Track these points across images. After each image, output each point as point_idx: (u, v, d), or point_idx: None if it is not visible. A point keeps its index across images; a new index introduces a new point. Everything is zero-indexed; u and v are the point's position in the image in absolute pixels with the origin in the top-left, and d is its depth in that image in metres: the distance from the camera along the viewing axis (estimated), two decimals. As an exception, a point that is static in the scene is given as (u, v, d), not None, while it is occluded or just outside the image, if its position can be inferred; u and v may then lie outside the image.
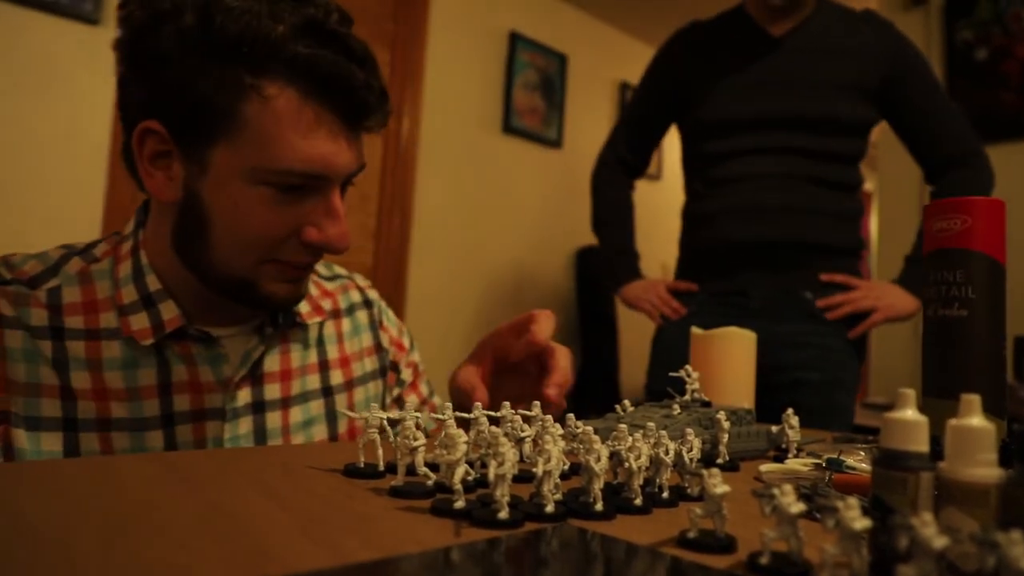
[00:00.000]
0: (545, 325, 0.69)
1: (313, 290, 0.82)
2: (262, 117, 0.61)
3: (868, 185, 5.94)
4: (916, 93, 1.52)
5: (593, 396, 3.18)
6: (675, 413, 0.57)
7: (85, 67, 2.01)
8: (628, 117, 1.81)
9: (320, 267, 0.86)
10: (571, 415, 0.50)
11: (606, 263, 1.79)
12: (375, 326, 0.87)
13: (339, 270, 0.90)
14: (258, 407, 0.72)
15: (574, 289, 3.35)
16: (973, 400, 0.34)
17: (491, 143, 3.02)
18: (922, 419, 0.34)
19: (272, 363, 0.74)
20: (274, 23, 0.60)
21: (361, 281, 0.91)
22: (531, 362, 0.72)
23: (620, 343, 3.36)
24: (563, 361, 0.69)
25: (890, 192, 2.74)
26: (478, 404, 0.47)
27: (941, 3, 2.66)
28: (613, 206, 1.77)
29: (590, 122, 3.46)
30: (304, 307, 0.78)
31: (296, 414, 0.74)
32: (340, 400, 0.78)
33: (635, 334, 3.17)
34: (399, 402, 0.87)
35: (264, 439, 0.71)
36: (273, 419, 0.72)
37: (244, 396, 0.71)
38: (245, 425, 0.71)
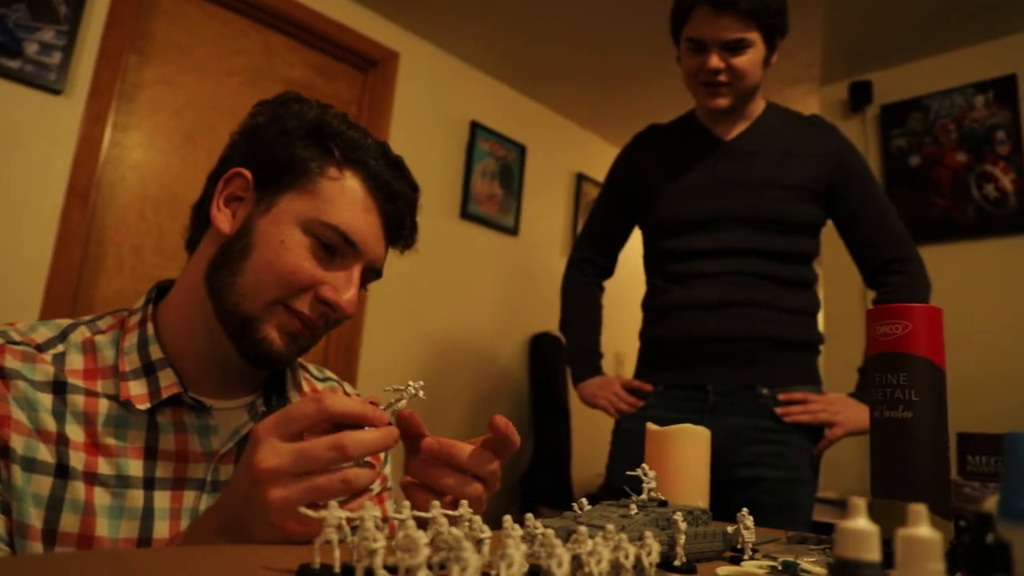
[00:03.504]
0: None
1: (305, 386, 0.89)
2: (333, 186, 0.76)
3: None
4: (857, 197, 1.58)
5: (545, 481, 3.14)
6: (632, 513, 0.57)
7: (45, 137, 2.00)
8: (592, 220, 1.85)
9: (313, 369, 0.95)
10: (529, 515, 0.50)
11: (569, 362, 1.81)
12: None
13: (330, 374, 0.96)
14: None
15: (527, 374, 3.35)
16: (920, 511, 0.35)
17: (449, 228, 3.06)
18: (873, 529, 0.35)
19: None
20: (364, 138, 0.79)
21: (349, 388, 0.97)
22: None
23: (573, 429, 3.34)
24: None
25: (834, 290, 2.84)
26: (435, 504, 0.46)
27: (877, 113, 2.85)
28: (579, 308, 1.81)
29: (546, 211, 3.55)
30: (295, 396, 0.84)
31: None
32: None
33: (588, 420, 3.17)
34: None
35: None
36: None
37: (227, 472, 0.75)
38: None
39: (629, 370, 3.43)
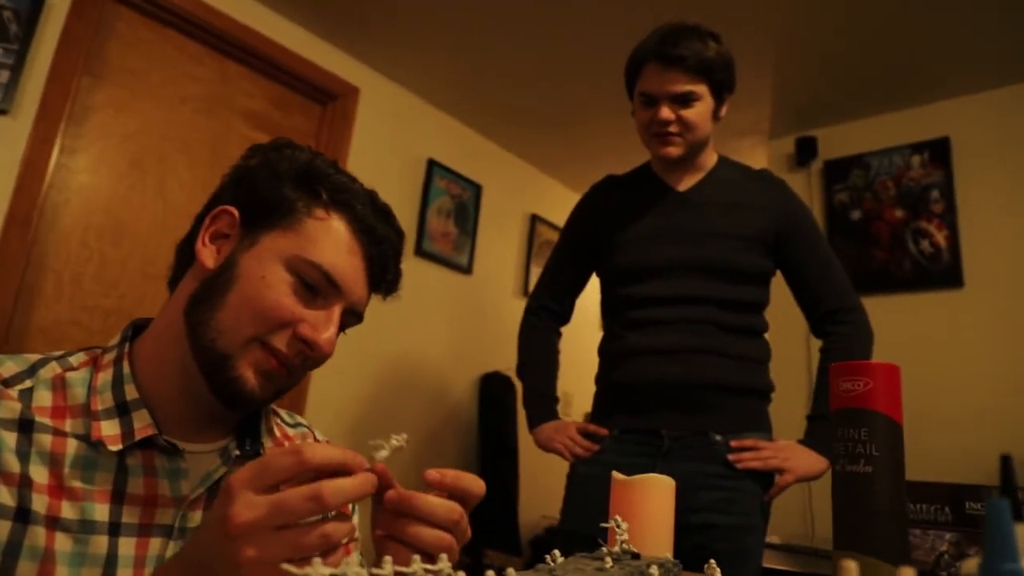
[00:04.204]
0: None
1: (276, 431, 0.88)
2: (319, 226, 0.77)
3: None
4: (803, 249, 1.64)
5: (492, 523, 3.09)
6: (607, 566, 0.57)
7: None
8: (550, 268, 1.88)
9: (284, 414, 0.94)
10: (511, 569, 0.49)
11: (525, 406, 1.80)
12: None
13: (301, 420, 0.96)
14: None
15: (476, 414, 3.32)
16: (910, 574, 0.36)
17: (403, 265, 3.04)
18: (865, 593, 0.36)
19: None
20: (353, 184, 0.81)
21: (320, 435, 0.96)
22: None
23: (521, 469, 3.32)
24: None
25: (781, 338, 2.91)
26: (416, 558, 0.45)
27: (821, 168, 2.97)
28: (535, 353, 1.82)
29: (500, 251, 3.56)
30: (268, 442, 0.83)
31: None
32: None
33: (535, 461, 3.15)
34: None
35: None
36: None
37: (196, 518, 0.73)
38: None
39: (576, 409, 3.42)
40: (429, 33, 2.69)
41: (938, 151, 2.72)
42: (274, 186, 0.77)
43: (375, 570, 0.42)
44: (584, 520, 1.57)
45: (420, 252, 3.09)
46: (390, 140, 3.03)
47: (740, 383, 1.56)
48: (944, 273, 2.62)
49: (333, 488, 0.52)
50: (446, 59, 2.87)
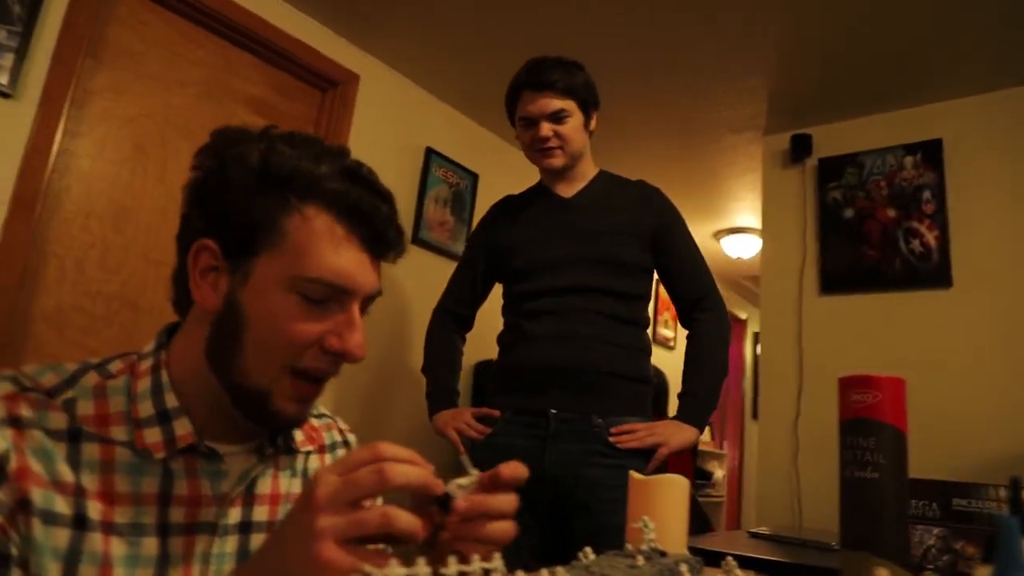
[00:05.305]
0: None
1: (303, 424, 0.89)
2: (300, 232, 0.72)
3: (743, 315, 6.32)
4: (674, 249, 1.89)
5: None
6: (639, 564, 0.60)
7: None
8: (455, 276, 2.12)
9: None
10: (559, 568, 0.53)
11: (428, 398, 1.99)
12: None
13: (324, 410, 0.97)
14: (245, 527, 0.77)
15: (470, 402, 3.35)
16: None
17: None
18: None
19: (264, 486, 0.80)
20: (317, 165, 0.73)
21: (342, 424, 0.98)
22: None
23: (512, 457, 3.36)
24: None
25: (769, 323, 2.98)
26: (476, 557, 0.48)
27: (815, 165, 3.01)
28: (439, 351, 2.06)
29: (496, 239, 3.57)
30: (299, 435, 0.86)
31: None
32: None
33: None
34: None
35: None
36: (257, 541, 0.76)
37: (235, 515, 0.76)
38: (232, 544, 0.75)
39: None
40: (429, 22, 2.69)
41: (930, 152, 2.77)
42: (238, 203, 0.72)
43: (442, 569, 0.45)
44: None
45: (417, 241, 3.10)
46: (389, 128, 3.04)
47: (624, 370, 1.75)
48: (933, 273, 2.67)
49: (395, 468, 0.56)
50: (445, 49, 2.88)
